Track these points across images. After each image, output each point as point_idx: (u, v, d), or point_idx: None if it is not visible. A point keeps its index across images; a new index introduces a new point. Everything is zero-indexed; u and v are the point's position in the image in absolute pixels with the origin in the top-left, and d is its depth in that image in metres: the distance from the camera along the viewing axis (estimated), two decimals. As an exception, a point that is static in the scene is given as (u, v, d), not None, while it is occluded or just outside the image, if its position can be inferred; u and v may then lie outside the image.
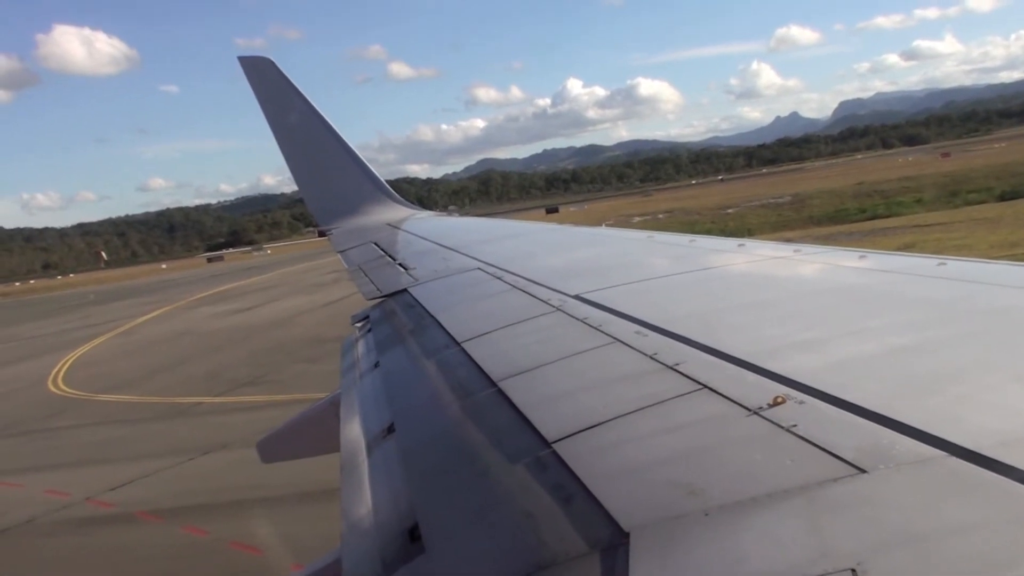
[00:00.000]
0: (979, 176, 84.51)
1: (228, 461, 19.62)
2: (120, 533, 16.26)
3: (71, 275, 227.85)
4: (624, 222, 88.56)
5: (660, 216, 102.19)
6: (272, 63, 13.00)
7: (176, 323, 55.61)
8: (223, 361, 35.37)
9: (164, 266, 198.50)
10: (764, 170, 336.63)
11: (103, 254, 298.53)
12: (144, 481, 19.10)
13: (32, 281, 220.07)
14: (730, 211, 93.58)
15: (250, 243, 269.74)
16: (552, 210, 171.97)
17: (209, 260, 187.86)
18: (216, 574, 13.81)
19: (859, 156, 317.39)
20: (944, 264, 3.68)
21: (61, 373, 38.16)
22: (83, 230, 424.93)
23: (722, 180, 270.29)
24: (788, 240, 6.37)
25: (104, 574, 14.57)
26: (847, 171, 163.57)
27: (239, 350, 37.87)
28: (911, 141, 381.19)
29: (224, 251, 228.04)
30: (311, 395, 22.54)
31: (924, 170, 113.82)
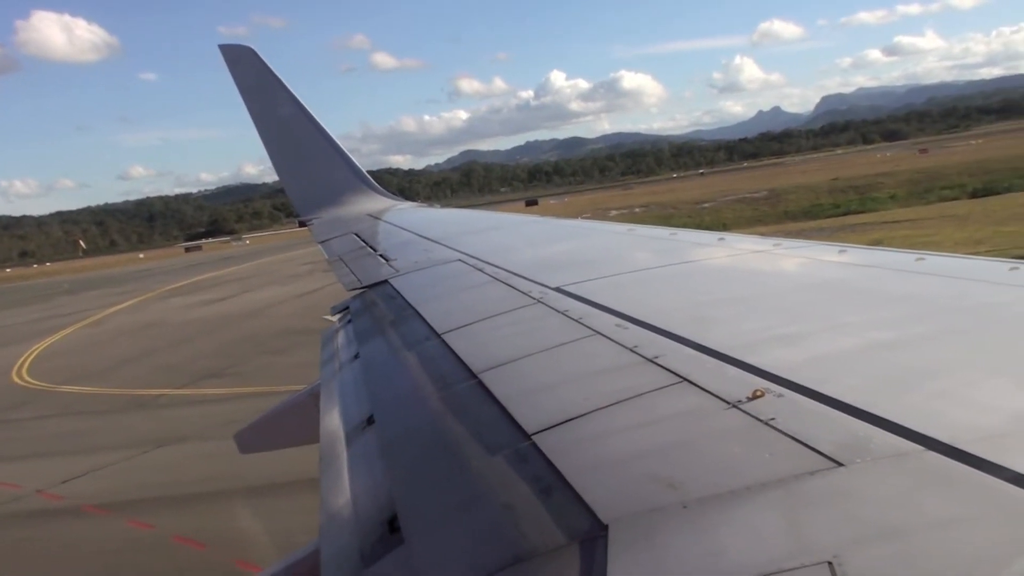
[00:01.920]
0: (953, 173, 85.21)
1: (182, 454, 19.73)
2: (66, 527, 16.21)
3: (48, 264, 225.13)
4: (601, 215, 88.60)
5: (637, 210, 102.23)
6: (253, 52, 12.91)
7: (147, 314, 55.17)
8: (190, 352, 35.19)
9: (142, 255, 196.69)
10: (745, 164, 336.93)
11: (81, 243, 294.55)
12: (96, 474, 19.04)
13: (8, 269, 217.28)
14: (706, 206, 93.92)
15: (230, 233, 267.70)
16: (532, 203, 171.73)
17: (187, 250, 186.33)
18: (156, 569, 13.76)
19: (839, 151, 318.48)
20: (923, 259, 3.71)
21: (26, 364, 37.76)
22: (62, 218, 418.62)
23: (702, 174, 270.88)
24: (761, 235, 6.43)
25: (45, 569, 14.48)
26: (826, 166, 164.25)
27: (207, 341, 37.73)
28: (892, 137, 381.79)
29: (203, 241, 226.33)
30: (273, 387, 23.07)
31: (900, 166, 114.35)
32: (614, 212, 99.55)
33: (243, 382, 26.87)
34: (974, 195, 63.50)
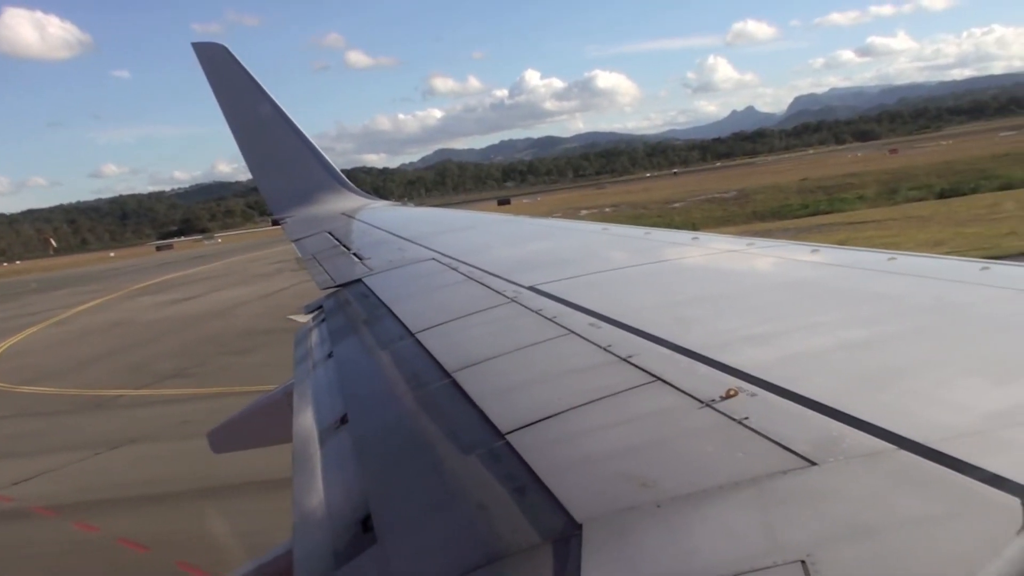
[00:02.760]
0: (921, 173, 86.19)
1: (134, 456, 19.78)
2: (14, 529, 16.13)
3: (18, 262, 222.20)
4: (572, 215, 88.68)
5: (607, 209, 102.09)
6: (226, 49, 12.80)
7: (113, 313, 54.71)
8: (153, 352, 35.05)
9: (112, 254, 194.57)
10: (718, 164, 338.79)
11: (52, 241, 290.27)
12: (48, 476, 18.99)
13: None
14: (676, 205, 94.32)
15: (203, 231, 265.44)
16: (504, 202, 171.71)
17: (158, 248, 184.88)
18: (97, 572, 13.74)
19: (811, 151, 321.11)
20: (895, 259, 3.75)
21: (-11, 364, 37.31)
22: (33, 216, 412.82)
23: (676, 174, 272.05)
24: (733, 235, 6.50)
25: None
26: (797, 166, 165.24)
27: (171, 341, 37.59)
28: (864, 137, 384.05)
29: (174, 239, 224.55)
30: (232, 388, 23.62)
31: (868, 166, 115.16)
32: (584, 212, 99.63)
33: (202, 383, 26.94)
34: (941, 196, 64.41)
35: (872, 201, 68.04)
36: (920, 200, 63.89)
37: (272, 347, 30.53)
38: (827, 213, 63.54)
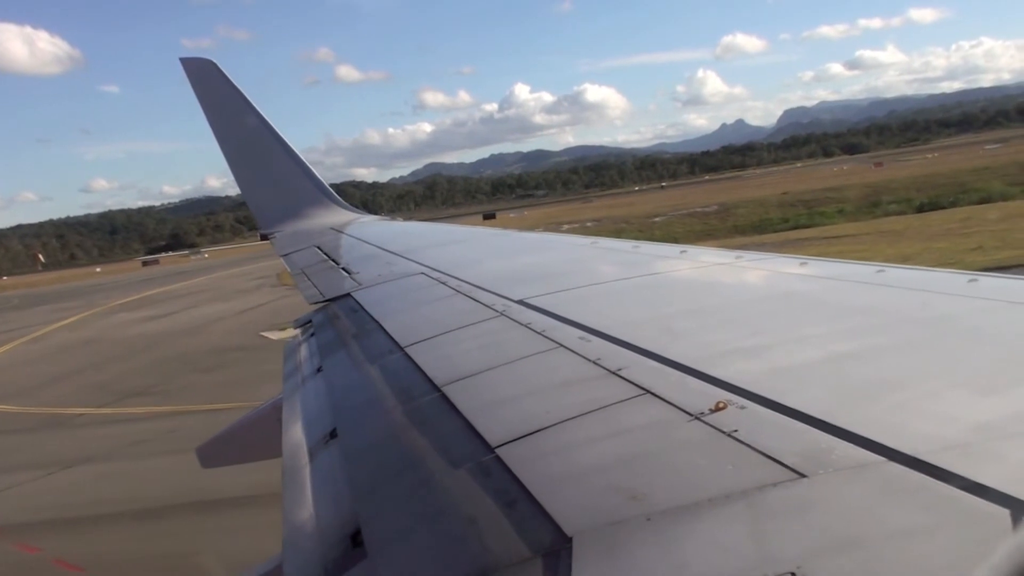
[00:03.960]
0: (901, 187, 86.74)
1: (86, 476, 19.70)
2: None
3: (4, 278, 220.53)
4: (554, 229, 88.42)
5: (588, 224, 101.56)
6: (214, 65, 12.81)
7: (89, 330, 54.35)
8: (121, 370, 34.91)
9: (99, 269, 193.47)
10: (707, 177, 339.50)
11: (40, 257, 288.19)
12: None
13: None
14: (658, 219, 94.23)
15: (191, 246, 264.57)
16: (489, 216, 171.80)
17: (144, 264, 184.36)
18: None
19: (799, 164, 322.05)
20: (883, 271, 3.77)
21: (-44, 383, 37.04)
22: (22, 232, 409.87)
23: (663, 187, 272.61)
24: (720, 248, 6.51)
25: None
26: (782, 180, 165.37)
27: (140, 359, 37.47)
28: (852, 150, 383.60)
29: (161, 255, 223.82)
30: (193, 406, 23.74)
31: (850, 180, 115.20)
32: (566, 226, 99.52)
33: (165, 401, 26.90)
34: (920, 209, 65.01)
35: (851, 215, 68.57)
36: (900, 214, 64.47)
37: (240, 364, 30.71)
38: (806, 227, 64.05)
